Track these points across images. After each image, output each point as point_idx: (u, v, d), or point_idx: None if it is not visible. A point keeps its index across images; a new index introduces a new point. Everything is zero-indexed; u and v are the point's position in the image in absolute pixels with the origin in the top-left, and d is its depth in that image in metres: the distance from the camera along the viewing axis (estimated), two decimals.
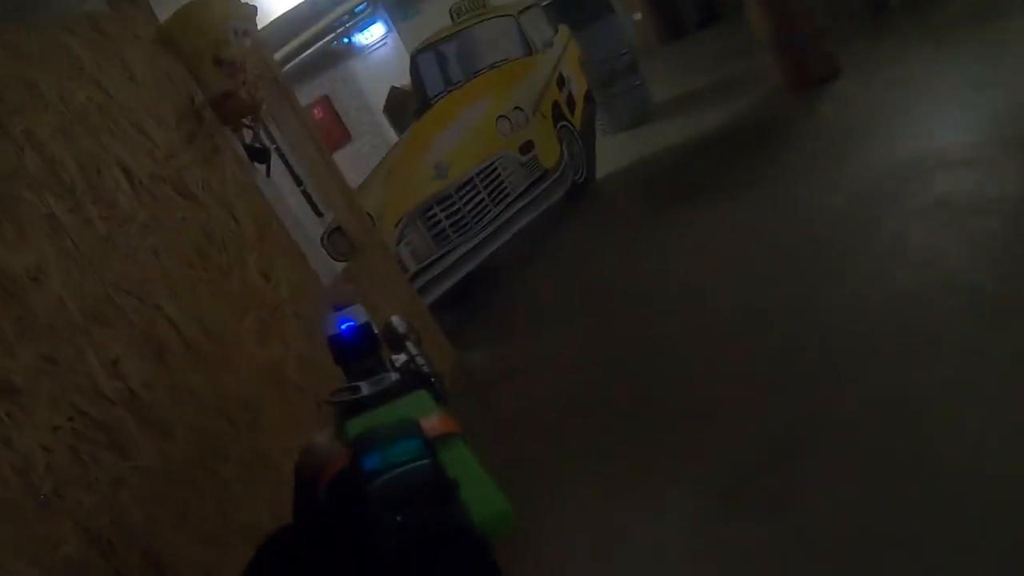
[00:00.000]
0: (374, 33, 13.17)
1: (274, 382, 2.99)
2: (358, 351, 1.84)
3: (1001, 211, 3.65)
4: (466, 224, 5.89)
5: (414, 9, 12.88)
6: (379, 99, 12.13)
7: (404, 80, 10.05)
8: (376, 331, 1.88)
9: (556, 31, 8.16)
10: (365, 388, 1.70)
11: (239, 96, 3.52)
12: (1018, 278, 3.12)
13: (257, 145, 3.76)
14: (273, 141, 3.94)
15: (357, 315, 1.87)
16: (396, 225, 5.43)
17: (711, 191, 5.71)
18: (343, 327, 1.83)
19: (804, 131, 6.12)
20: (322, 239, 4.26)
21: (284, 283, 3.35)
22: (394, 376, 1.79)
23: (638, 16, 13.00)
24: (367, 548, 1.19)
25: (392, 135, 11.37)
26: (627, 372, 3.94)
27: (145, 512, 2.14)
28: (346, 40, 13.13)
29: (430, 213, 5.70)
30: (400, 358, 1.95)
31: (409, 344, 2.01)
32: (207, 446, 2.49)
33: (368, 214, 5.01)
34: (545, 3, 8.40)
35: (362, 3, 10.81)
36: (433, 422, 1.55)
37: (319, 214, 4.19)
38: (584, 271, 5.67)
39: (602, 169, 7.86)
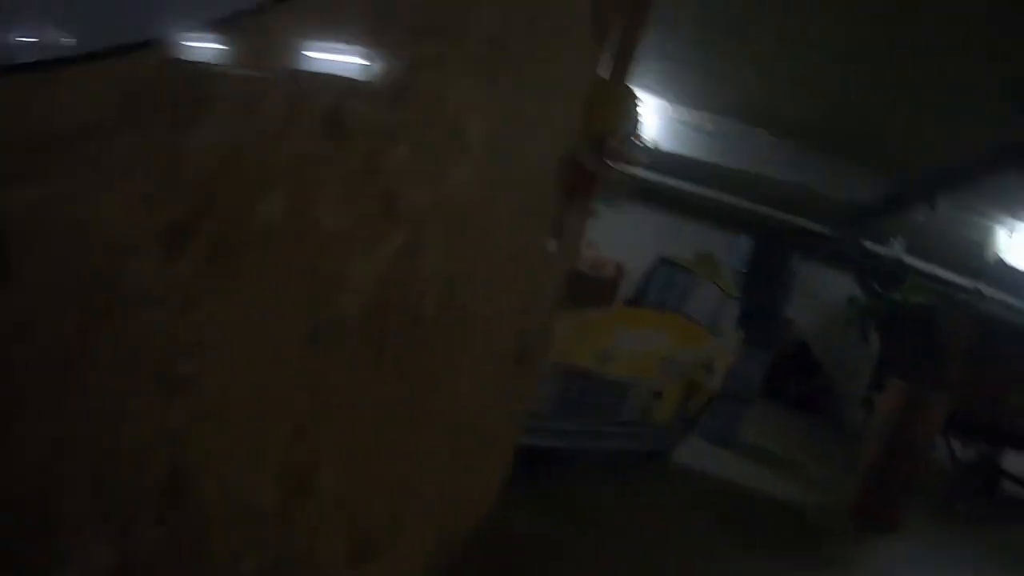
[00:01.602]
0: None
1: (456, 402, 2.48)
2: None
3: None
4: (583, 410, 5.53)
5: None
6: None
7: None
8: None
9: (736, 331, 8.07)
10: None
11: (589, 177, 3.26)
12: None
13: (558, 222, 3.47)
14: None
15: None
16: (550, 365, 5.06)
17: (744, 548, 5.42)
18: None
19: (848, 555, 6.13)
20: None
21: (511, 339, 2.92)
22: None
23: None
24: None
25: None
26: None
27: (339, 421, 1.61)
28: None
29: (573, 380, 5.35)
30: None
31: None
32: (402, 415, 1.97)
33: None
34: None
35: None
36: None
37: None
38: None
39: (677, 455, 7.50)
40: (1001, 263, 9.64)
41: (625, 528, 4.90)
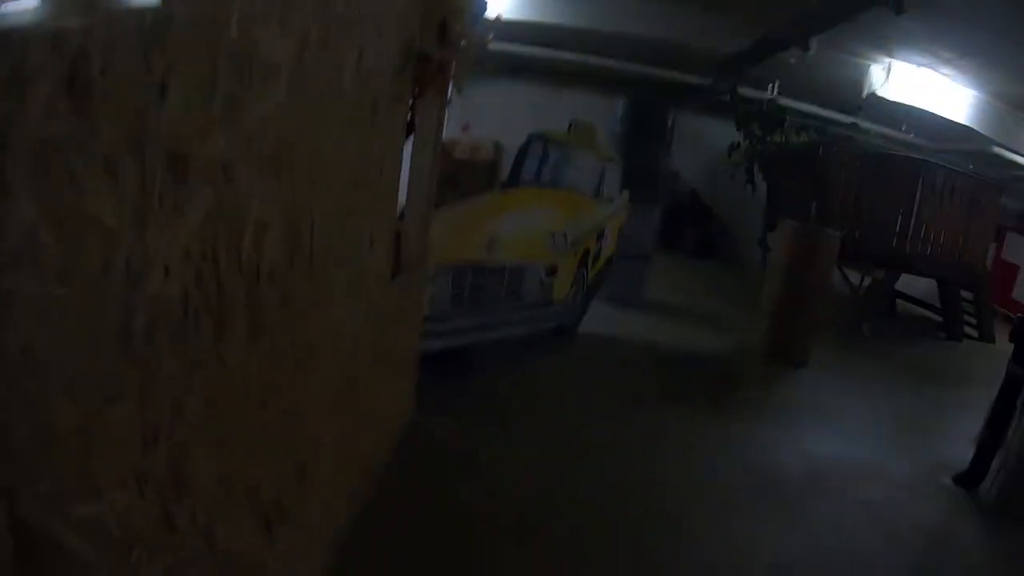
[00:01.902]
0: None
1: (332, 346, 2.36)
2: None
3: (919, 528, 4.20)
4: (480, 302, 5.46)
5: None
6: None
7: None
8: None
9: (620, 193, 8.08)
10: None
11: (438, 67, 3.06)
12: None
13: (410, 118, 3.28)
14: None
15: None
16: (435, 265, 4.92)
17: (669, 406, 5.71)
18: None
19: (766, 396, 6.50)
20: None
21: (381, 254, 2.77)
22: None
23: None
24: None
25: None
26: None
27: (198, 416, 1.47)
28: None
29: (463, 274, 5.27)
30: None
31: None
32: (272, 376, 1.84)
33: None
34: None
35: None
36: None
37: None
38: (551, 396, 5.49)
39: (585, 325, 7.57)
40: (874, 97, 9.92)
41: (533, 419, 4.96)
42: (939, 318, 10.87)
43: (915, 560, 3.86)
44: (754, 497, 4.22)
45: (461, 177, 7.51)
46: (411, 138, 3.41)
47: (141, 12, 1.08)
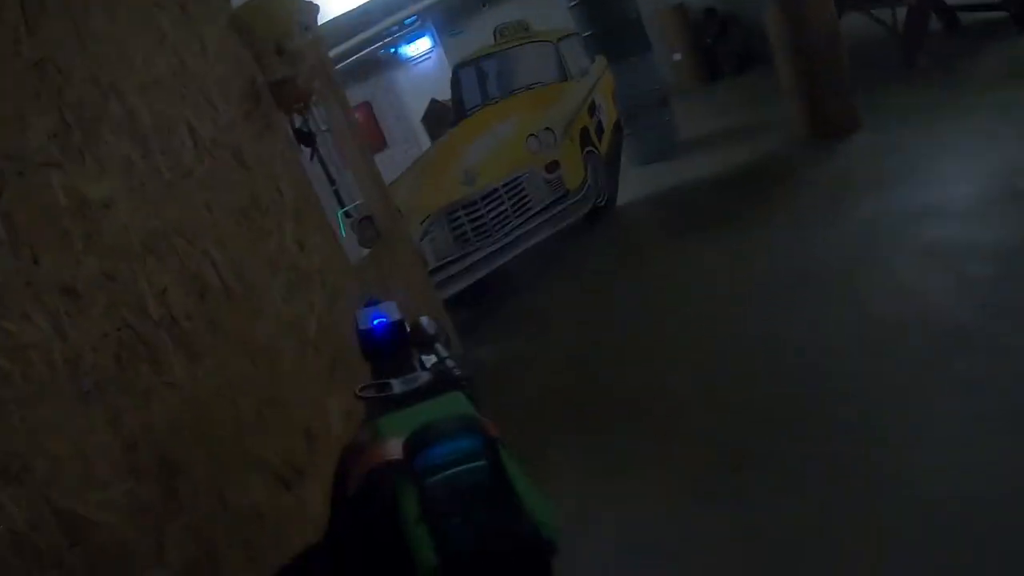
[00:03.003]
0: (420, 46, 13.87)
1: (295, 337, 3.26)
2: (389, 348, 1.94)
3: (988, 258, 4.11)
4: (487, 230, 6.19)
5: (461, 27, 13.66)
6: (418, 109, 12.61)
7: (445, 94, 10.41)
8: (407, 329, 1.98)
9: (593, 61, 8.50)
10: (396, 386, 1.65)
11: (295, 84, 3.85)
12: (1000, 316, 3.57)
13: (305, 130, 4.10)
14: (319, 128, 4.27)
15: (390, 312, 1.98)
16: (422, 222, 5.74)
17: (721, 227, 6.16)
18: (376, 323, 1.91)
19: (816, 178, 6.64)
20: (352, 225, 4.57)
21: (315, 253, 3.62)
22: (425, 375, 1.72)
23: (678, 56, 13.40)
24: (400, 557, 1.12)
25: (427, 145, 11.93)
26: (616, 375, 4.44)
27: (169, 423, 2.42)
28: (392, 50, 13.65)
29: (455, 215, 6.02)
30: (430, 359, 1.83)
31: (438, 346, 2.07)
32: (230, 380, 2.76)
33: (398, 209, 5.31)
34: (586, 34, 8.73)
35: (412, 16, 11.22)
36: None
37: (342, 204, 4.50)
38: (594, 286, 6.03)
39: (623, 197, 8.14)
40: None
41: (574, 306, 5.74)
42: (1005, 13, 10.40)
43: (983, 293, 3.83)
44: (815, 275, 4.64)
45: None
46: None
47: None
